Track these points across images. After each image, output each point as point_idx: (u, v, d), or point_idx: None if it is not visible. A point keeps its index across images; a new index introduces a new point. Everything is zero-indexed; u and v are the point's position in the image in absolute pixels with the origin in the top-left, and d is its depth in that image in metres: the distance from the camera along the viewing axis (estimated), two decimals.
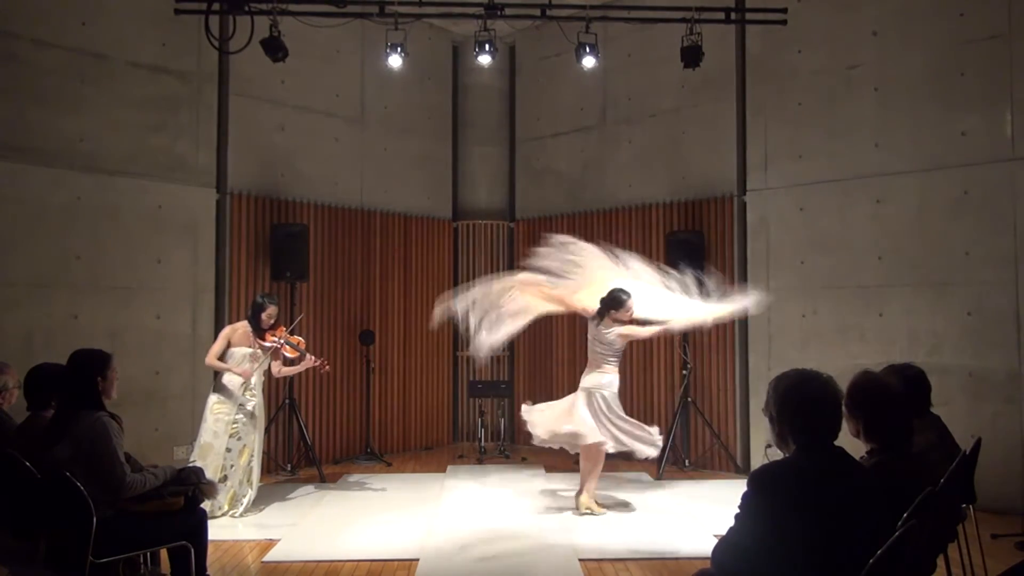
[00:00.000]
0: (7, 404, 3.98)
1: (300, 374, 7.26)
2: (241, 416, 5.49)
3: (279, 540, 4.98)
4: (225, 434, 5.42)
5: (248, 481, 5.53)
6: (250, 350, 5.59)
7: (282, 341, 5.67)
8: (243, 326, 5.67)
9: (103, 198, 6.14)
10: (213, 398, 5.51)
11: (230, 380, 5.51)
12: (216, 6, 5.86)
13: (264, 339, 5.63)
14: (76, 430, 3.28)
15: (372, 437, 7.94)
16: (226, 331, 5.65)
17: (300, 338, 5.89)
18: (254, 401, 5.58)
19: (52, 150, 5.88)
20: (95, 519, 2.99)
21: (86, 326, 5.93)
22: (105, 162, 6.17)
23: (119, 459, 3.31)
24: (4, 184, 5.62)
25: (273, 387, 7.11)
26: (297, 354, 5.77)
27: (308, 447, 6.93)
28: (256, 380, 5.62)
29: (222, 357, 5.55)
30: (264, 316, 5.63)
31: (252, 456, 5.55)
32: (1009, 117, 5.75)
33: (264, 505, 5.82)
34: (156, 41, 6.49)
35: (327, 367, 5.89)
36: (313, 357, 5.80)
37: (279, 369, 5.89)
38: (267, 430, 6.90)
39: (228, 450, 5.41)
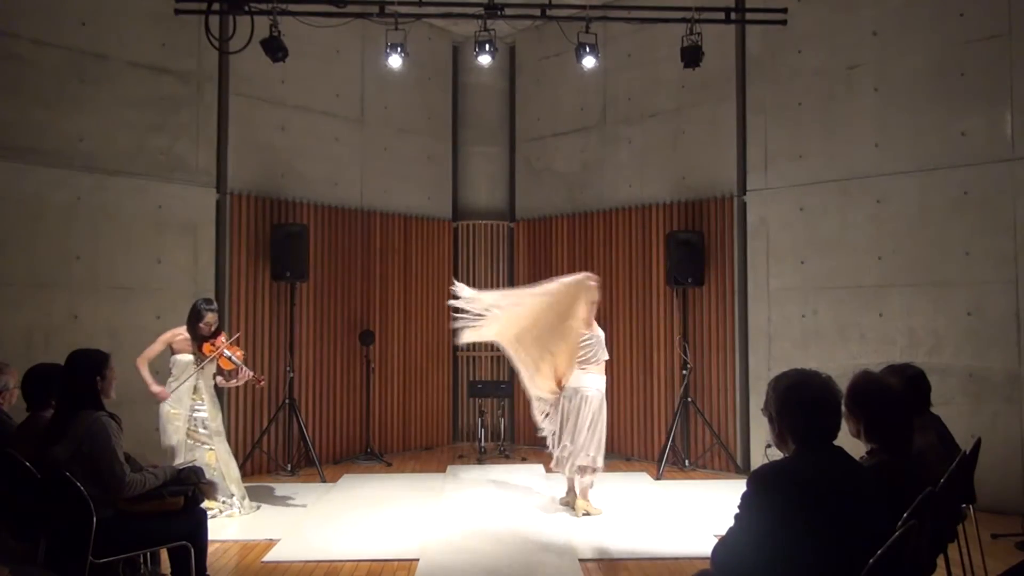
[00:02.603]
0: (7, 404, 3.98)
1: (299, 375, 7.30)
2: (197, 418, 5.36)
3: (279, 540, 4.98)
4: (185, 440, 5.31)
5: (227, 482, 5.45)
6: (192, 357, 5.38)
7: (220, 352, 5.40)
8: (184, 331, 5.44)
9: (103, 198, 6.14)
10: (164, 407, 5.32)
11: (179, 381, 5.34)
12: (216, 6, 5.86)
13: (202, 349, 5.39)
14: (75, 430, 3.28)
15: (372, 437, 7.94)
16: (166, 335, 5.42)
17: (240, 350, 5.60)
18: (205, 405, 5.40)
19: (52, 150, 5.88)
20: (95, 519, 2.99)
21: (86, 326, 5.94)
22: (105, 162, 6.17)
23: (119, 459, 3.31)
24: (4, 184, 5.62)
25: (273, 387, 7.12)
26: (233, 367, 5.47)
27: (308, 447, 6.93)
28: (204, 384, 5.42)
29: (167, 364, 5.39)
30: (202, 325, 5.38)
31: (222, 458, 5.42)
32: (1009, 117, 5.75)
33: (264, 505, 5.82)
34: (156, 41, 6.49)
35: (263, 382, 5.70)
36: (250, 371, 5.52)
37: (219, 381, 5.62)
38: (266, 430, 6.94)
39: (194, 458, 5.23)
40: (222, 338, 5.50)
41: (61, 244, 5.91)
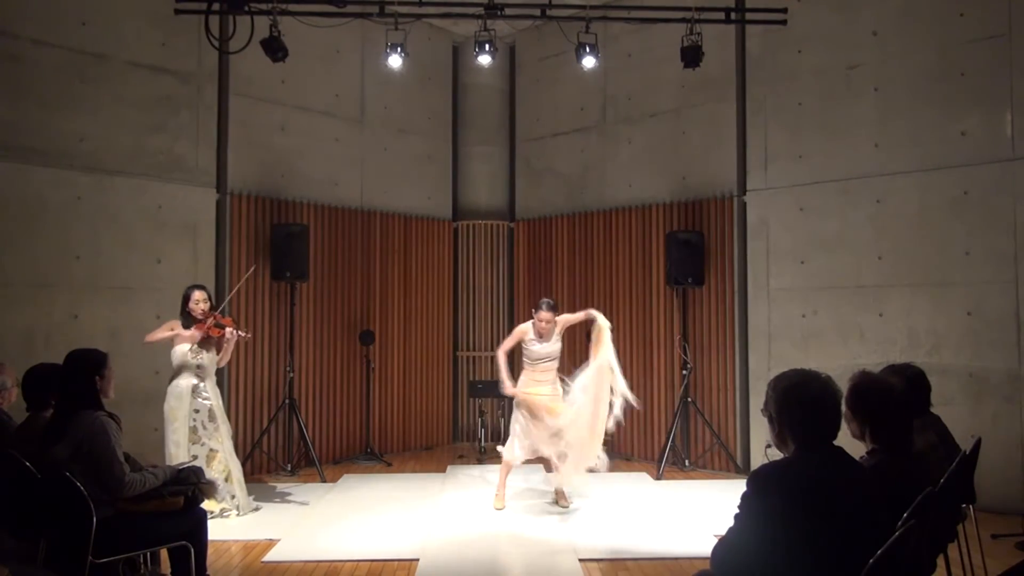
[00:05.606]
0: (6, 404, 3.98)
1: (299, 375, 7.31)
2: (199, 417, 5.36)
3: (279, 540, 4.98)
4: (186, 440, 5.30)
5: (229, 481, 5.44)
6: (188, 345, 5.39)
7: (210, 323, 5.42)
8: (179, 326, 5.47)
9: (103, 198, 6.14)
10: (166, 407, 5.34)
11: (176, 379, 5.37)
12: (216, 6, 5.86)
13: (198, 329, 5.41)
14: (75, 430, 3.28)
15: (372, 437, 7.94)
16: (171, 322, 5.45)
17: (229, 318, 5.68)
18: (208, 403, 5.39)
19: (52, 150, 5.88)
20: (95, 519, 2.99)
21: (86, 326, 5.94)
22: (105, 162, 6.17)
23: (118, 458, 3.31)
24: (4, 184, 5.62)
25: (273, 387, 7.12)
26: (221, 332, 5.48)
27: (308, 447, 6.93)
28: (209, 383, 5.44)
29: (170, 360, 5.42)
30: (191, 304, 5.42)
31: (225, 458, 5.43)
32: (1009, 117, 5.74)
33: (264, 505, 5.82)
34: (156, 41, 6.49)
35: (248, 335, 5.85)
36: (238, 332, 5.56)
37: (220, 358, 5.65)
38: (266, 430, 6.94)
39: (195, 457, 5.25)
40: (216, 316, 5.51)
41: (61, 244, 5.91)
